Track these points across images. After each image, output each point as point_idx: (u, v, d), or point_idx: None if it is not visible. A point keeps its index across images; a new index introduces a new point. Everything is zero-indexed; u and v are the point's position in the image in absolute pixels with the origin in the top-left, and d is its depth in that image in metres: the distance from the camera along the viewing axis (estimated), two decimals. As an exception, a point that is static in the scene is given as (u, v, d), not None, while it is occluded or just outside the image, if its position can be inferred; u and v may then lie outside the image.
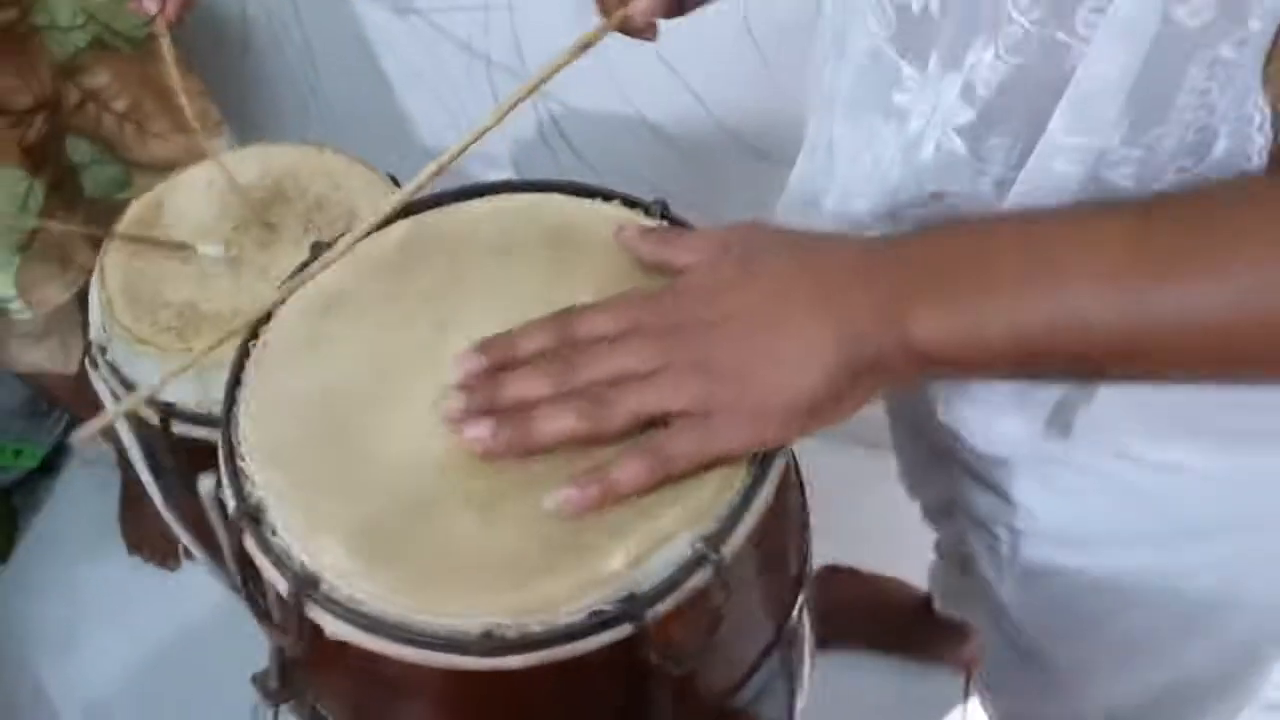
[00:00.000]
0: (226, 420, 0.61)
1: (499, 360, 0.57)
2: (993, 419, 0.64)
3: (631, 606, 0.53)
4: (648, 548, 0.54)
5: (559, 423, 0.54)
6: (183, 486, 1.02)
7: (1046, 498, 0.72)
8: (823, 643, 1.37)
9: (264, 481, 0.57)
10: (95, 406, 1.51)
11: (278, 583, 0.56)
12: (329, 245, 0.68)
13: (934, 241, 0.51)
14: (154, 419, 0.90)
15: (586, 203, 0.69)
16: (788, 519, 0.67)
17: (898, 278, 0.50)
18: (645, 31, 0.68)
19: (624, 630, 0.54)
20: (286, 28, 1.39)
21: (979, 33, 0.52)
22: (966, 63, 0.53)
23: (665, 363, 0.54)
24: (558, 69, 0.66)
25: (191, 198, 0.97)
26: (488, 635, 0.53)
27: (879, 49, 0.58)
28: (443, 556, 0.54)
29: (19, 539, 1.65)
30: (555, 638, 0.53)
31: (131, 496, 1.64)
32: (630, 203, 0.68)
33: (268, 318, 0.65)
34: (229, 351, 0.84)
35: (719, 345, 0.53)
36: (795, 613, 0.70)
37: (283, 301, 0.65)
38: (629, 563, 0.54)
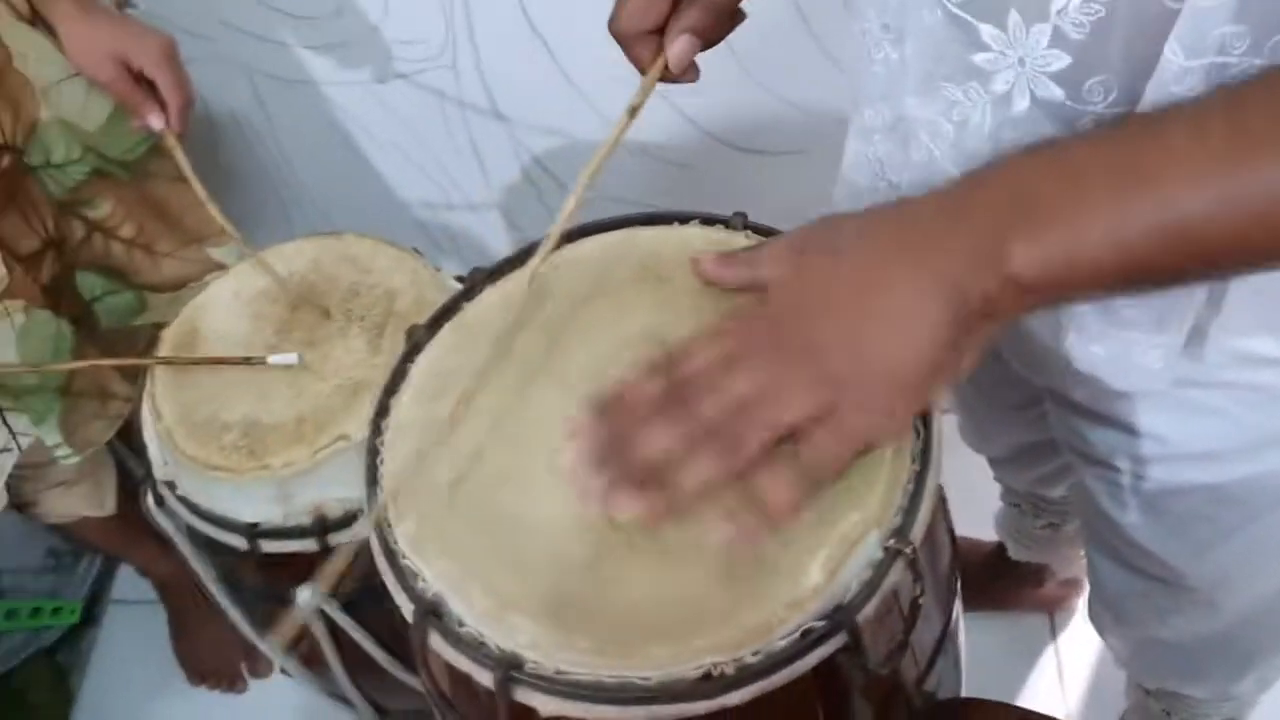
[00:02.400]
0: (376, 524, 0.59)
1: (617, 422, 0.56)
2: (1130, 355, 0.64)
3: (842, 616, 0.53)
4: (841, 555, 0.54)
5: (699, 472, 0.53)
6: (269, 604, 1.01)
7: (1177, 420, 0.72)
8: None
9: (436, 574, 0.56)
10: (132, 545, 1.50)
11: (477, 674, 0.54)
12: (424, 327, 0.66)
13: (1014, 171, 0.50)
14: (241, 543, 0.88)
15: (666, 230, 0.68)
16: (938, 506, 0.67)
17: (986, 216, 0.49)
18: (687, 74, 0.67)
19: (839, 641, 0.53)
20: (253, 124, 1.38)
21: None
22: (1053, 10, 0.53)
23: (777, 378, 0.53)
24: (618, 139, 0.65)
25: (223, 314, 0.95)
26: (707, 677, 0.52)
27: (953, 15, 0.58)
28: (636, 608, 0.54)
29: (76, 695, 1.61)
30: (774, 665, 0.52)
31: (182, 627, 1.60)
32: (709, 220, 0.68)
33: (384, 411, 0.63)
34: (309, 463, 0.84)
35: (825, 341, 0.52)
36: (957, 602, 0.70)
37: (393, 390, 0.64)
38: (827, 575, 0.53)
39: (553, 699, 0.53)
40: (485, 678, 0.54)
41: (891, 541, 0.54)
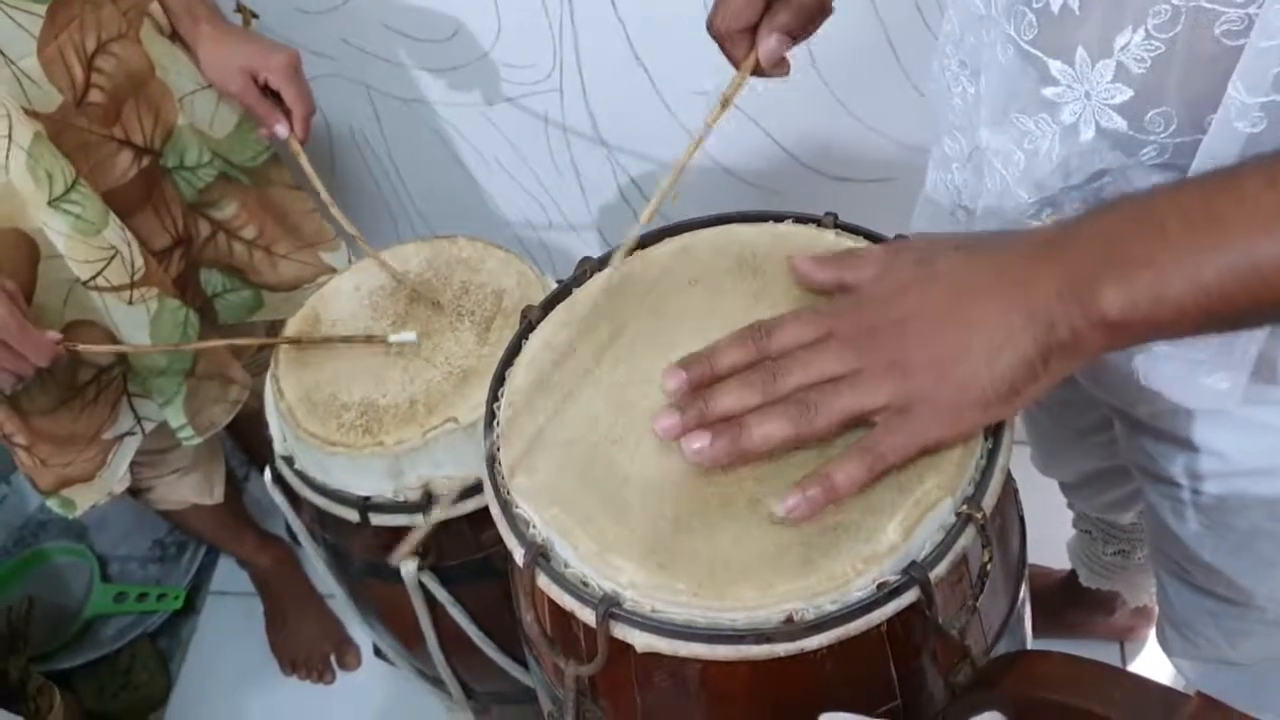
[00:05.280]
0: (492, 477, 0.65)
1: (700, 376, 0.62)
2: (1196, 375, 0.68)
3: (915, 573, 0.57)
4: (916, 518, 0.58)
5: (769, 428, 0.59)
6: (371, 580, 1.07)
7: (1236, 436, 0.75)
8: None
9: (545, 521, 0.62)
10: (234, 536, 1.58)
11: (580, 611, 0.60)
12: (538, 308, 0.73)
13: (1100, 220, 0.55)
14: (353, 516, 0.95)
15: (762, 226, 0.74)
16: (1008, 492, 0.71)
17: (1075, 258, 0.54)
18: (779, 69, 0.72)
19: (911, 596, 0.58)
20: (369, 138, 1.46)
21: (1126, 19, 0.57)
22: (1116, 47, 0.58)
23: (861, 364, 0.58)
24: (713, 123, 0.71)
25: (343, 305, 1.03)
26: (789, 620, 0.57)
27: (1025, 52, 0.63)
28: (727, 557, 0.59)
29: (175, 678, 1.69)
30: (850, 613, 0.57)
31: (277, 618, 1.68)
32: (801, 219, 0.74)
33: (502, 380, 0.70)
34: (420, 441, 0.90)
35: (911, 342, 0.57)
36: (1024, 586, 0.74)
37: (510, 362, 0.70)
38: (903, 534, 0.58)
39: (648, 635, 0.58)
40: (587, 615, 0.59)
41: (964, 507, 0.59)
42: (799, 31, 0.70)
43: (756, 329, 0.62)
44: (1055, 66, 0.62)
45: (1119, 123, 0.61)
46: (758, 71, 0.71)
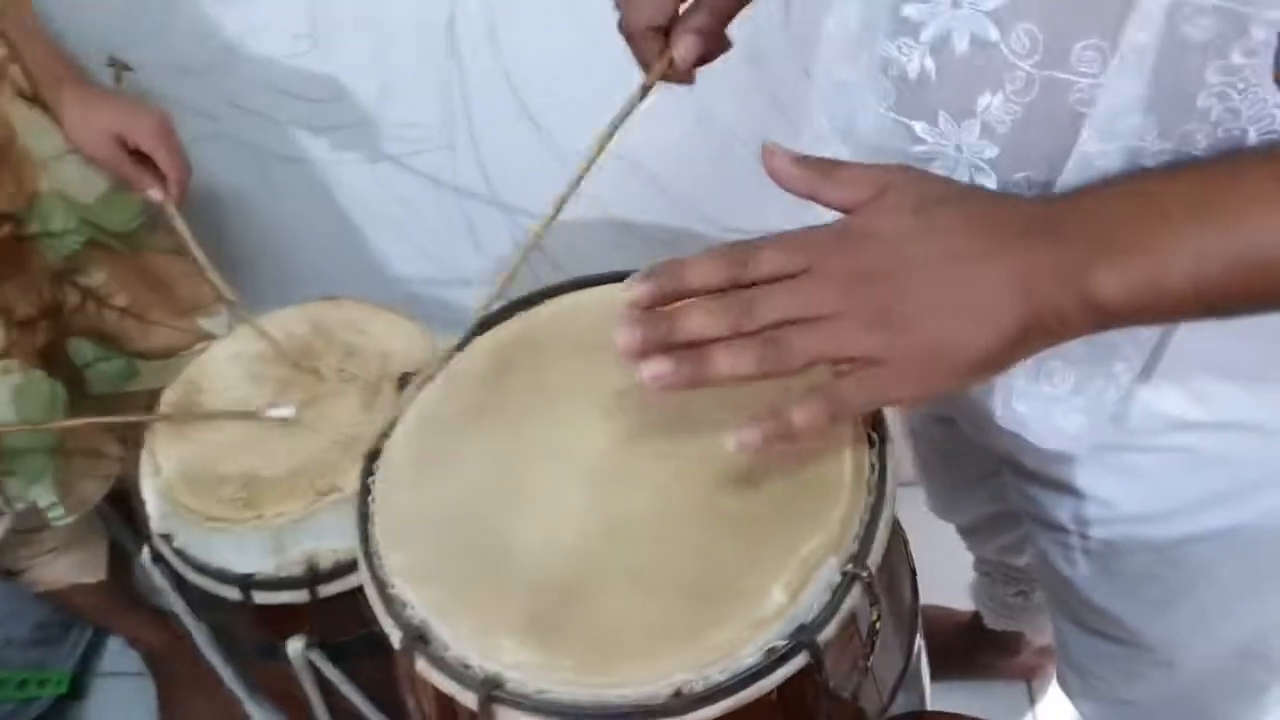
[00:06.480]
0: (367, 555, 0.62)
1: (668, 290, 0.55)
2: (1051, 416, 0.68)
3: (804, 636, 0.56)
4: (802, 579, 0.57)
5: (736, 363, 0.53)
6: (259, 660, 1.03)
7: (1116, 483, 0.75)
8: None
9: (422, 601, 0.59)
10: (121, 615, 1.51)
11: (461, 695, 0.57)
12: (419, 374, 0.71)
13: (1096, 201, 0.53)
14: (235, 594, 0.91)
15: (644, 286, 0.73)
16: (897, 543, 0.71)
17: (1074, 237, 0.52)
18: (685, 78, 0.70)
19: (801, 661, 0.57)
20: (258, 199, 1.43)
21: (984, 84, 0.57)
22: (979, 108, 0.58)
23: (844, 308, 0.53)
24: (624, 118, 0.68)
25: (223, 373, 0.99)
26: (678, 694, 0.55)
27: (887, 117, 0.63)
28: (611, 631, 0.57)
29: (61, 769, 1.61)
30: (740, 683, 0.56)
31: (169, 699, 1.61)
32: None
33: (376, 454, 0.67)
34: (303, 513, 0.87)
35: (901, 296, 0.53)
36: (918, 638, 0.74)
37: (386, 434, 0.68)
38: (789, 596, 0.57)
39: (533, 718, 0.56)
40: (469, 699, 0.57)
41: (849, 566, 0.58)
42: (711, 39, 0.69)
43: (738, 248, 0.55)
44: (919, 127, 0.62)
45: (990, 178, 0.61)
46: (668, 76, 0.69)
